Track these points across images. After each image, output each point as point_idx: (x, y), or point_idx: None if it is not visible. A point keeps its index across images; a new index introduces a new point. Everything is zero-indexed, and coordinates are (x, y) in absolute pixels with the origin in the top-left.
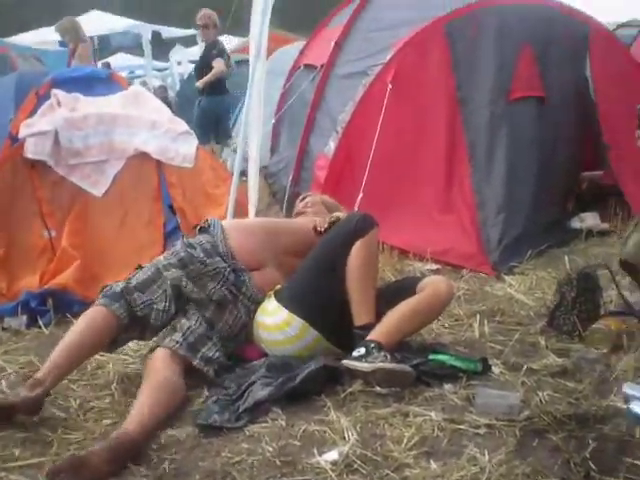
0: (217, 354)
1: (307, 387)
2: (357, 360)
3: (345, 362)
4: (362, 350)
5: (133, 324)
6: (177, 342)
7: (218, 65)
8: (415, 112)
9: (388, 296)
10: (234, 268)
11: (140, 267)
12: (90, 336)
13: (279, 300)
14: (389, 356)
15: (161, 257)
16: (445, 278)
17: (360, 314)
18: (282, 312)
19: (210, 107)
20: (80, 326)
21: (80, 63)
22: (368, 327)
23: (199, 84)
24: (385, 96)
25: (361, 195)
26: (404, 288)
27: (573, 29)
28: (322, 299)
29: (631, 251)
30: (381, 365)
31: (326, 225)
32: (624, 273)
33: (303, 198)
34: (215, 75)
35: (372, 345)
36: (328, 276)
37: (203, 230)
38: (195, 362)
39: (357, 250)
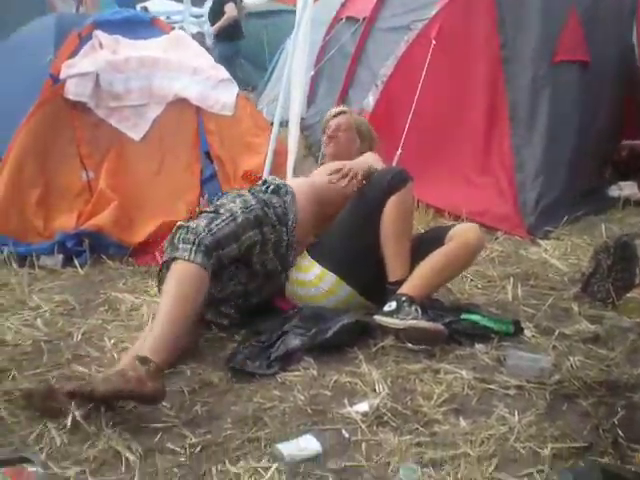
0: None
1: (339, 340)
2: (389, 316)
3: (377, 318)
4: (393, 304)
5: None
6: None
7: (230, 10)
8: (458, 70)
9: (417, 248)
10: (291, 243)
11: (200, 212)
12: (196, 300)
13: (313, 256)
14: (420, 311)
15: (232, 205)
16: (474, 226)
17: (394, 270)
18: (316, 268)
19: (226, 53)
20: (183, 290)
21: (87, 9)
22: (402, 283)
23: (213, 30)
24: (428, 52)
25: (400, 151)
26: (433, 239)
27: None
28: (356, 254)
29: None
30: (413, 323)
31: (361, 180)
32: None
33: (337, 114)
34: (227, 20)
35: (403, 299)
36: (362, 232)
37: (273, 190)
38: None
39: (391, 206)
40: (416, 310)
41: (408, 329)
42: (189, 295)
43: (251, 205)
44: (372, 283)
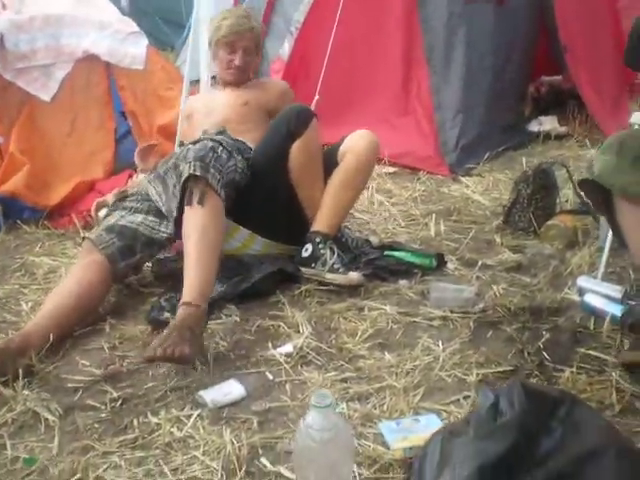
0: None
1: (262, 287)
2: (307, 265)
3: (301, 269)
4: (309, 248)
5: None
6: None
7: None
8: (373, 13)
9: None
10: None
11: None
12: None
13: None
14: (336, 253)
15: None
16: (363, 133)
17: (311, 217)
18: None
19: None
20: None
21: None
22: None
23: None
24: None
25: (317, 97)
26: (327, 162)
27: None
28: (263, 206)
29: (602, 173)
30: (330, 278)
31: None
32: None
33: (243, 31)
34: None
35: (317, 240)
36: (267, 182)
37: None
38: None
39: (296, 153)
40: (332, 251)
41: (325, 283)
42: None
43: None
44: (287, 229)
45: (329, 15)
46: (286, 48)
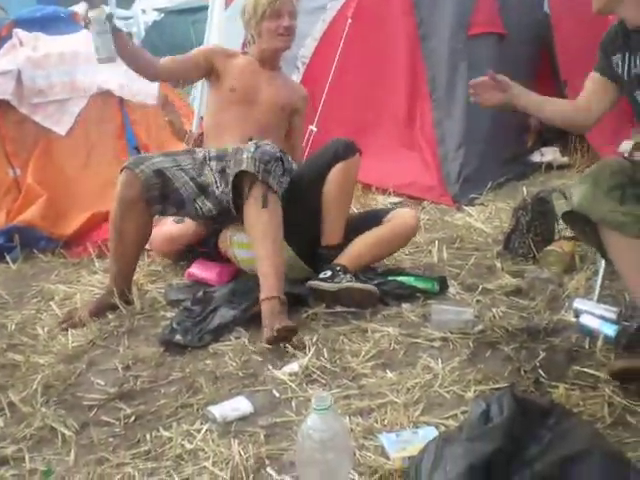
0: None
1: None
2: (323, 281)
3: (311, 283)
4: (328, 272)
5: None
6: None
7: None
8: (376, 48)
9: (356, 225)
10: None
11: None
12: None
13: None
14: (354, 278)
15: None
16: (412, 210)
17: (329, 234)
18: None
19: None
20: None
21: None
22: (334, 248)
23: None
24: (344, 30)
25: (314, 129)
26: (372, 218)
27: None
28: (297, 219)
29: (582, 203)
30: (346, 284)
31: None
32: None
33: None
34: None
35: (338, 268)
36: (305, 196)
37: None
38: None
39: (335, 172)
40: (350, 277)
41: (341, 291)
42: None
43: None
44: (311, 247)
45: (334, 50)
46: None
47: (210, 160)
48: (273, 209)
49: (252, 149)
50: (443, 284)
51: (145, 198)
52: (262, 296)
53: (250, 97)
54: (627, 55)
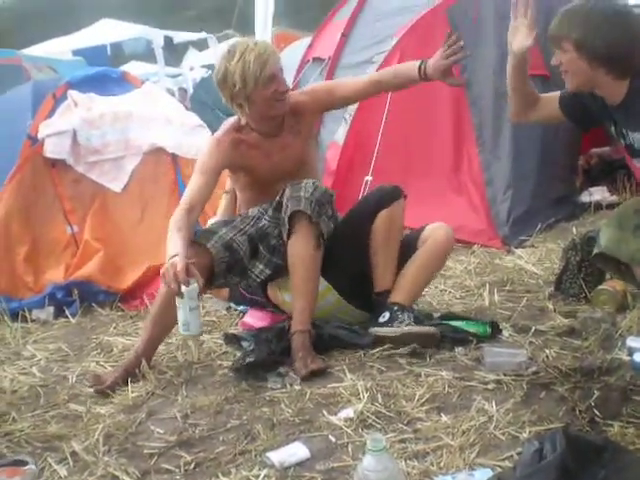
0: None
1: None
2: (384, 326)
3: (373, 330)
4: (387, 315)
5: None
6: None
7: None
8: (421, 97)
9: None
10: None
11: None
12: None
13: None
14: (412, 318)
15: None
16: (441, 224)
17: (380, 280)
18: None
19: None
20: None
21: None
22: (388, 293)
23: None
24: None
25: (370, 178)
26: (407, 246)
27: None
28: (345, 263)
29: (609, 245)
30: (408, 330)
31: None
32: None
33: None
34: None
35: (395, 309)
36: (351, 242)
37: None
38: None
39: (380, 219)
40: (408, 317)
41: (403, 335)
42: None
43: None
44: (359, 291)
45: (381, 101)
46: (341, 134)
47: (266, 211)
48: (320, 251)
49: (310, 189)
50: (495, 328)
51: (212, 272)
52: (295, 328)
53: (270, 175)
54: (613, 127)
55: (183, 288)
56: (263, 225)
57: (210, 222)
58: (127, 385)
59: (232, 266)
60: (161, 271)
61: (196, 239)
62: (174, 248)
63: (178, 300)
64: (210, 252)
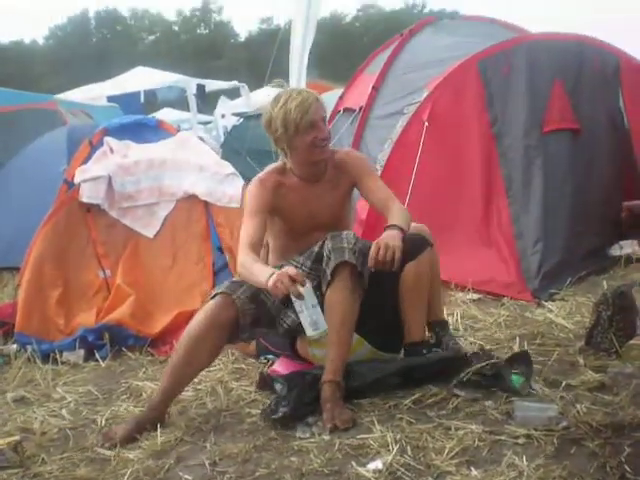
0: None
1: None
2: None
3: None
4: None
5: None
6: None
7: None
8: (452, 148)
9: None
10: None
11: None
12: None
13: None
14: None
15: None
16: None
17: (410, 331)
18: None
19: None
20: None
21: None
22: (420, 344)
23: None
24: (422, 134)
25: None
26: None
27: (603, 61)
28: (375, 315)
29: None
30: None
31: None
32: None
33: (314, 101)
34: None
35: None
36: (376, 295)
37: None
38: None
39: (406, 272)
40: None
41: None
42: None
43: None
44: (388, 340)
45: (411, 153)
46: None
47: (303, 265)
48: (359, 301)
49: (353, 240)
50: (526, 382)
51: (237, 325)
52: (325, 378)
53: (305, 222)
54: None
55: (301, 288)
56: None
57: None
58: (140, 436)
59: (258, 319)
60: (270, 285)
61: (222, 290)
62: (265, 270)
63: (298, 304)
64: (235, 304)
